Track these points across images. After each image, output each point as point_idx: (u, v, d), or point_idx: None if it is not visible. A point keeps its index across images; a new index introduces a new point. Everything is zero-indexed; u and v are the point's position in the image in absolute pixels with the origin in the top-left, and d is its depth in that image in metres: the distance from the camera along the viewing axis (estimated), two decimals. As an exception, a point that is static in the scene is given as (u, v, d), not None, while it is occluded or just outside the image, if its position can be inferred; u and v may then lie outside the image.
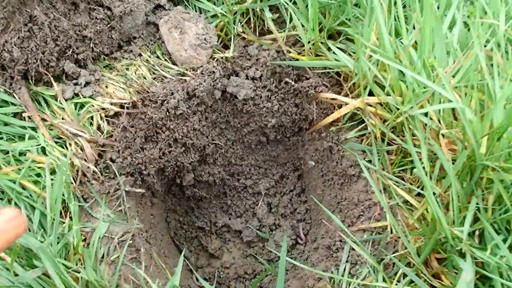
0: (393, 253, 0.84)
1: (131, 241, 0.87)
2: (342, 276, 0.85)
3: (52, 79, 0.94)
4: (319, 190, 1.13)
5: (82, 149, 0.91)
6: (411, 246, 0.78)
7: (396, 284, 0.77)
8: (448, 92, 0.80)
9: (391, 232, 0.87)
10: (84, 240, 0.85)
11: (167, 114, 1.01)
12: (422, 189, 0.89)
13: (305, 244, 1.16)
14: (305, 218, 1.21)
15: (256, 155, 1.24)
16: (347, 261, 0.88)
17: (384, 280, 0.81)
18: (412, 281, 0.78)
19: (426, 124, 0.89)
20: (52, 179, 0.83)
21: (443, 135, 0.86)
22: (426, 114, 0.91)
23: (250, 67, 1.09)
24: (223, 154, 1.17)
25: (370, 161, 0.96)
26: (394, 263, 0.84)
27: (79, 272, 0.77)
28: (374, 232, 0.90)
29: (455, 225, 0.75)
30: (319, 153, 1.11)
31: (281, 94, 1.11)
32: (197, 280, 1.16)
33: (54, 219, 0.79)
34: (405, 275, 0.79)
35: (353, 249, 0.90)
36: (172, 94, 1.01)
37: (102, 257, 0.83)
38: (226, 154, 1.18)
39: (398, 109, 0.92)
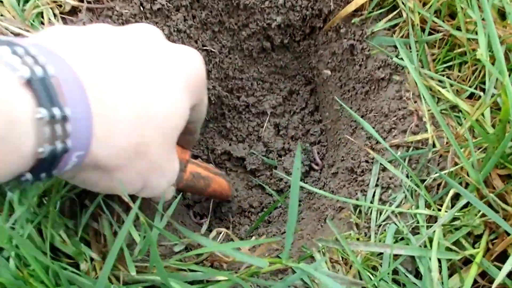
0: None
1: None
2: (371, 203, 0.67)
3: (-18, -39, 0.71)
4: (337, 105, 0.92)
5: (29, 54, 0.70)
6: (466, 160, 0.58)
7: (446, 211, 0.58)
8: None
9: (434, 146, 0.67)
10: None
11: (141, 9, 0.78)
12: (475, 88, 0.68)
13: (321, 170, 0.97)
14: (320, 140, 1.01)
15: (259, 66, 1.02)
16: (376, 185, 0.69)
17: (427, 206, 0.62)
18: (465, 206, 0.59)
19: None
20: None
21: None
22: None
23: None
24: (217, 65, 0.96)
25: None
26: (438, 186, 0.64)
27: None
28: (410, 148, 0.70)
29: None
30: (337, 57, 0.89)
31: (287, -17, 0.87)
32: (194, 217, 1.00)
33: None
34: (456, 198, 0.60)
35: (383, 170, 0.71)
36: (146, -18, 0.79)
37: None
38: (222, 64, 0.97)
39: (444, -17, 0.69)
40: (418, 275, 0.58)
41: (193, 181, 0.72)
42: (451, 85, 0.69)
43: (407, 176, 0.66)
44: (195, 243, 0.61)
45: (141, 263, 0.58)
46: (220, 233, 0.63)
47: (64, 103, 0.35)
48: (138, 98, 0.42)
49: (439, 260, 0.54)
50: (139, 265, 0.57)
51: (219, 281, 0.56)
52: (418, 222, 0.61)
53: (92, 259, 0.57)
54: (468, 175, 0.59)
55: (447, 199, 0.59)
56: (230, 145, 1.03)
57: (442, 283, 0.53)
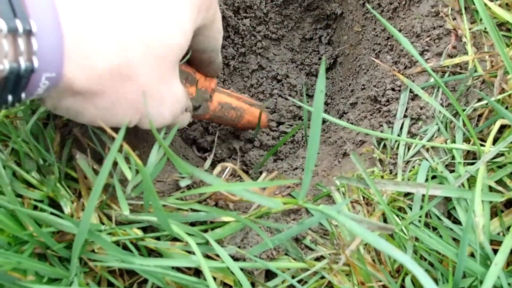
0: (479, 100, 0.55)
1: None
2: (398, 135, 0.58)
3: None
4: (358, 26, 0.81)
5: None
6: (520, 86, 0.48)
7: (492, 146, 0.50)
8: None
9: (475, 71, 0.57)
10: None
11: None
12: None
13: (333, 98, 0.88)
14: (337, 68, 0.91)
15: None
16: (405, 116, 0.60)
17: (466, 140, 0.53)
18: None
19: None
20: None
21: None
22: None
23: None
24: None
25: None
26: (479, 117, 0.55)
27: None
28: (446, 73, 0.60)
29: None
30: (361, -32, 0.76)
31: None
32: (198, 151, 0.92)
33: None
34: (499, 132, 0.51)
35: (412, 99, 0.61)
36: None
37: (48, 118, 0.56)
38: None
39: None
40: (449, 218, 0.50)
41: (222, 112, 0.67)
42: (502, -3, 0.57)
43: (442, 106, 0.57)
44: (198, 179, 0.53)
45: (136, 201, 0.51)
46: (226, 168, 0.56)
47: (28, 16, 0.30)
48: (123, 13, 0.35)
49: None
50: (134, 204, 0.50)
51: (225, 222, 0.49)
52: (453, 159, 0.53)
53: (80, 197, 0.50)
54: (519, 103, 0.50)
55: (493, 132, 0.50)
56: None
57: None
